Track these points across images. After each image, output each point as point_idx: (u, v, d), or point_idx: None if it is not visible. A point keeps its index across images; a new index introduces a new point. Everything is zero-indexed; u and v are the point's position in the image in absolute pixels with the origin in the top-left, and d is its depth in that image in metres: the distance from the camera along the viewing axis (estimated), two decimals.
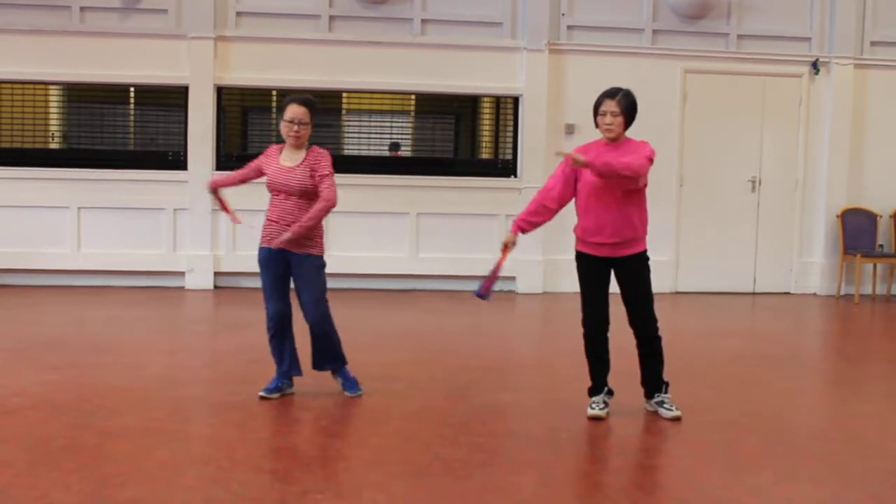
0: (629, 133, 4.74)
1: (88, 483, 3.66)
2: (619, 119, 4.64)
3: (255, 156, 5.25)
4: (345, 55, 9.42)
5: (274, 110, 9.84)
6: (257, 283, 5.13)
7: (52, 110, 9.79)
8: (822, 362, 7.14)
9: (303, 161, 4.96)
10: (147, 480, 3.72)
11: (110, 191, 9.22)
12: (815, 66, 9.93)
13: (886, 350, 7.47)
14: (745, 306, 9.38)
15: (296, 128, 4.92)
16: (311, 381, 5.21)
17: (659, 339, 4.80)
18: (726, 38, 9.92)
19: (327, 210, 4.91)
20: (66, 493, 3.54)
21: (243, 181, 5.26)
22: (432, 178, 9.60)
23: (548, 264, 9.52)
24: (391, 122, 10.16)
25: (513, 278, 9.51)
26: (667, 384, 4.86)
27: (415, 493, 3.67)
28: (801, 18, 10.03)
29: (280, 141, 5.10)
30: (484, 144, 10.32)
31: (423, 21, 9.59)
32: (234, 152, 9.54)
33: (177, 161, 9.41)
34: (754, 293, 10.05)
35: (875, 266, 10.06)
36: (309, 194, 4.95)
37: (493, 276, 4.83)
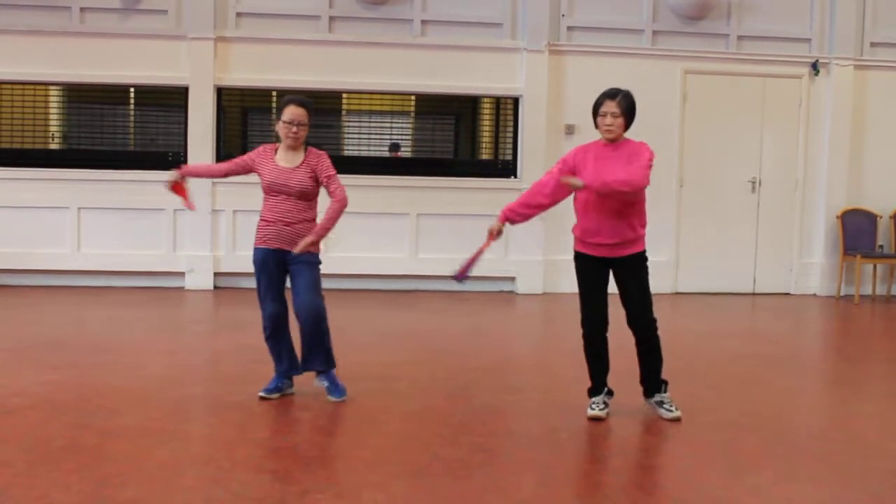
0: (628, 134, 4.74)
1: (88, 483, 3.66)
2: (620, 120, 4.64)
3: None
4: (345, 56, 9.43)
5: (274, 111, 9.84)
6: (255, 283, 5.11)
7: (52, 111, 9.80)
8: (822, 362, 7.14)
9: (302, 162, 4.96)
10: (147, 480, 3.72)
11: (110, 191, 9.22)
12: (815, 66, 9.94)
13: (886, 350, 7.47)
14: (745, 307, 9.38)
15: (295, 129, 4.92)
16: (311, 381, 5.20)
17: (658, 338, 4.80)
18: (726, 38, 9.93)
19: (342, 209, 4.96)
20: (66, 493, 3.53)
21: (226, 175, 5.23)
22: (432, 179, 9.60)
23: (548, 265, 9.52)
24: (391, 122, 10.17)
25: (513, 279, 9.54)
26: (665, 383, 4.86)
27: (415, 493, 3.67)
28: (801, 19, 10.03)
29: (279, 141, 5.08)
30: (484, 145, 10.32)
31: (423, 22, 9.60)
32: (234, 153, 9.50)
33: (177, 162, 9.39)
34: (754, 294, 10.05)
35: (875, 267, 10.07)
36: (308, 195, 4.96)
37: (472, 261, 4.83)
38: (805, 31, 10.04)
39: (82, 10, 9.24)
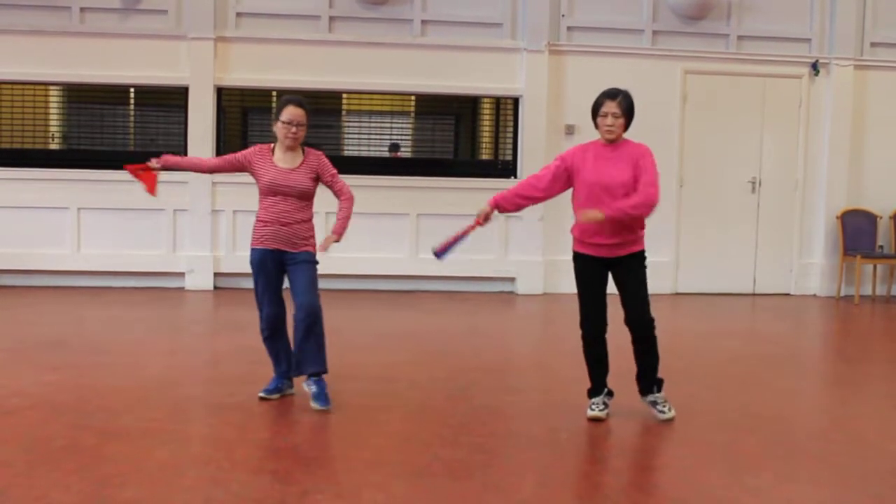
0: (627, 134, 4.74)
1: (88, 483, 3.66)
2: (621, 121, 4.63)
3: None
4: (345, 56, 9.43)
5: (274, 111, 9.84)
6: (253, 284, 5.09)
7: (52, 111, 9.80)
8: (822, 363, 7.14)
9: (302, 163, 4.96)
10: (147, 481, 3.72)
11: (110, 191, 9.22)
12: (815, 67, 9.94)
13: (886, 351, 7.47)
14: (745, 307, 9.38)
15: (294, 129, 4.92)
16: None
17: (655, 337, 4.78)
18: (726, 38, 9.93)
19: (353, 205, 5.07)
20: (66, 494, 3.53)
21: (213, 171, 5.22)
22: (432, 179, 9.60)
23: (548, 265, 9.52)
24: (391, 122, 10.17)
25: (513, 279, 9.53)
26: (661, 382, 4.84)
27: (415, 493, 3.67)
28: (801, 19, 10.04)
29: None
30: (484, 145, 10.32)
31: (423, 22, 9.60)
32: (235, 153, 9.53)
33: None
34: (754, 294, 10.05)
35: (875, 267, 10.06)
36: (307, 195, 4.96)
37: (455, 240, 4.81)
38: (805, 31, 10.04)
39: (82, 10, 9.25)
